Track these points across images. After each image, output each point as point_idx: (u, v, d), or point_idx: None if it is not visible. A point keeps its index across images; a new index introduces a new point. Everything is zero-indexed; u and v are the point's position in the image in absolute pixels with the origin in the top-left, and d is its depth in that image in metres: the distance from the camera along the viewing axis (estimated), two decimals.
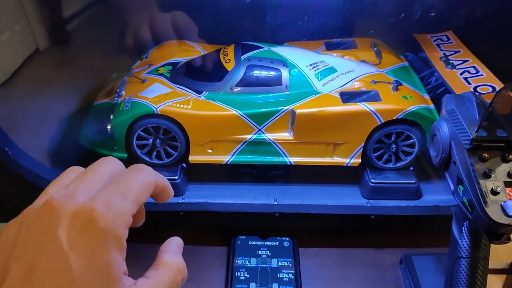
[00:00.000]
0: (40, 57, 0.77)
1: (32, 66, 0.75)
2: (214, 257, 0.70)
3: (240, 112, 0.64)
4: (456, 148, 0.48)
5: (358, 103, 0.64)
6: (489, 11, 0.79)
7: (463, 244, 0.50)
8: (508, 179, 0.45)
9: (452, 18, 0.83)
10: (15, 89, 0.72)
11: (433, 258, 0.66)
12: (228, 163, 0.68)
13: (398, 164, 0.68)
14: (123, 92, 0.69)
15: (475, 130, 0.45)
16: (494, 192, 0.44)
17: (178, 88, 0.69)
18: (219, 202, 0.67)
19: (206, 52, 0.77)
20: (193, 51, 0.78)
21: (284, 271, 0.65)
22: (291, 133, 0.66)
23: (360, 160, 0.68)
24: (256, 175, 0.73)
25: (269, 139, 0.66)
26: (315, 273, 0.68)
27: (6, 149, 0.61)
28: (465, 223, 0.50)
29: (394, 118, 0.64)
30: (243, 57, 0.69)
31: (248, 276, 0.65)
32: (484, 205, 0.44)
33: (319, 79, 0.68)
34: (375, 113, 0.63)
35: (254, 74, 0.68)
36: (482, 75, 0.69)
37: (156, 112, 0.63)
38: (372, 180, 0.67)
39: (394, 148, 0.67)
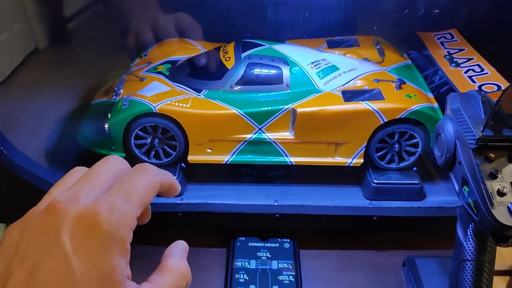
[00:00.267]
0: (40, 56, 0.77)
1: (31, 66, 0.74)
2: (213, 258, 0.69)
3: (240, 111, 0.64)
4: (461, 148, 0.47)
5: (360, 102, 0.63)
6: (494, 9, 0.78)
7: (468, 247, 0.49)
8: None
9: (456, 16, 0.82)
10: (13, 88, 0.71)
11: (437, 260, 0.65)
12: (227, 163, 0.67)
13: (401, 164, 0.68)
14: (121, 90, 0.68)
15: (481, 129, 0.44)
16: (501, 193, 0.43)
17: (177, 86, 0.68)
18: (218, 203, 0.66)
19: (206, 50, 0.76)
20: (192, 49, 0.77)
21: (284, 273, 0.65)
22: (292, 133, 0.65)
23: (362, 160, 0.67)
24: (256, 175, 0.72)
25: (270, 139, 0.65)
26: (316, 276, 0.67)
27: (1, 148, 0.60)
28: (470, 225, 0.48)
29: (397, 117, 0.63)
30: (244, 55, 0.68)
31: (247, 278, 0.64)
32: (490, 206, 0.42)
33: (321, 77, 0.68)
34: (378, 112, 0.62)
35: (255, 72, 0.67)
36: (487, 73, 0.68)
37: (155, 111, 0.63)
38: (375, 181, 0.66)
39: (397, 148, 0.66)
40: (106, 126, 0.65)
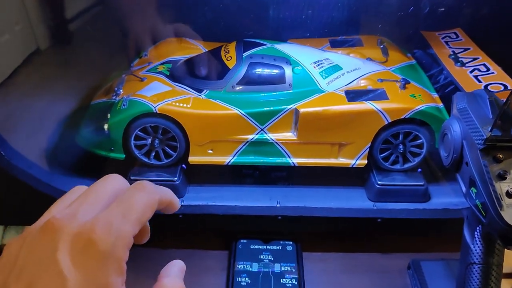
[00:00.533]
0: (41, 57, 0.76)
1: (32, 66, 0.74)
2: (214, 261, 0.68)
3: (242, 111, 0.63)
4: (469, 148, 0.46)
5: (364, 102, 0.63)
6: (498, 8, 0.78)
7: (475, 250, 0.48)
8: None
9: (461, 15, 0.81)
10: (13, 89, 0.71)
11: (443, 263, 0.64)
12: (229, 164, 0.66)
13: (406, 166, 0.67)
14: (121, 90, 0.68)
15: (489, 129, 0.44)
16: (510, 195, 0.42)
17: (177, 86, 0.67)
18: (219, 205, 0.66)
19: (206, 50, 0.76)
20: (193, 48, 0.77)
21: (287, 276, 0.64)
22: (295, 133, 0.64)
23: (366, 161, 0.66)
24: (258, 176, 0.72)
25: (272, 139, 0.65)
26: (319, 279, 0.66)
27: None
28: (478, 227, 0.47)
29: (402, 117, 0.62)
30: (245, 54, 0.67)
31: (249, 281, 0.63)
32: (499, 208, 0.41)
33: (324, 77, 0.67)
34: (382, 112, 0.62)
35: (257, 72, 0.66)
36: (493, 73, 0.68)
37: (155, 111, 0.62)
38: (379, 182, 0.66)
39: (402, 149, 0.66)
40: (106, 126, 0.64)
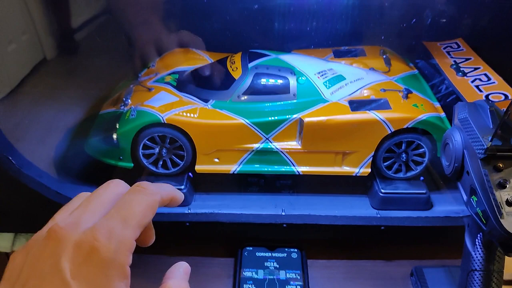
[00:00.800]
0: (48, 66, 0.77)
1: (39, 76, 0.75)
2: (220, 268, 0.69)
3: (247, 121, 0.64)
4: (470, 157, 0.47)
5: (367, 111, 0.64)
6: (500, 18, 0.78)
7: (476, 257, 0.49)
8: None
9: (462, 25, 0.82)
10: (21, 98, 0.72)
11: (445, 270, 0.64)
12: (235, 172, 0.67)
13: (409, 174, 0.68)
14: (129, 100, 0.68)
15: (489, 139, 0.45)
16: (510, 203, 0.43)
17: (184, 96, 0.68)
18: (225, 213, 0.66)
19: (213, 60, 0.77)
20: (200, 59, 0.78)
21: (292, 283, 0.64)
22: (299, 142, 0.65)
23: (369, 170, 0.67)
24: (263, 185, 0.73)
25: (277, 148, 0.66)
26: (324, 286, 0.66)
27: (10, 158, 0.60)
28: (478, 235, 0.48)
29: (404, 127, 0.63)
30: (250, 65, 0.68)
31: None
32: (499, 216, 0.42)
33: (328, 87, 0.68)
34: (384, 122, 0.63)
35: (262, 82, 0.67)
36: (494, 82, 0.68)
37: (163, 121, 0.63)
38: (382, 190, 0.66)
39: (404, 158, 0.66)
40: (115, 136, 0.65)
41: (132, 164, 0.67)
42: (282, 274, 0.65)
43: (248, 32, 0.77)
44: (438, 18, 0.79)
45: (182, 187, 0.66)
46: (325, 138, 0.64)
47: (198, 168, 0.67)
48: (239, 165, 0.67)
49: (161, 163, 0.67)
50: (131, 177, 0.68)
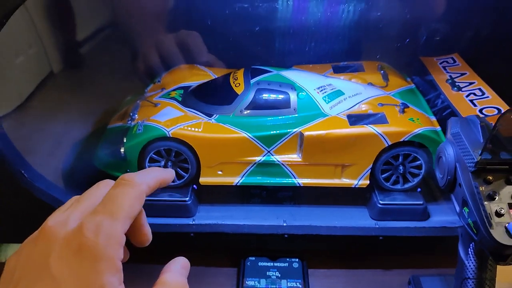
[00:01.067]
0: (55, 80, 0.79)
1: (46, 89, 0.76)
2: (224, 278, 0.70)
3: (250, 135, 0.65)
4: (461, 170, 0.49)
5: (365, 125, 0.65)
6: (495, 34, 0.80)
7: (469, 265, 0.50)
8: None
9: (458, 41, 0.84)
10: (30, 111, 0.73)
11: (441, 279, 0.65)
12: (238, 184, 0.68)
13: (406, 185, 0.69)
14: (136, 115, 0.70)
15: (479, 153, 0.46)
16: (499, 214, 0.45)
17: (189, 111, 0.70)
18: (229, 224, 0.67)
19: (216, 76, 0.78)
20: (204, 75, 0.80)
21: None
22: (300, 155, 0.67)
23: (368, 182, 0.68)
24: (265, 196, 0.74)
25: (278, 161, 0.67)
26: None
27: (22, 171, 0.62)
28: (471, 244, 0.50)
29: (401, 140, 0.65)
30: (253, 81, 0.70)
31: None
32: (489, 227, 0.44)
33: (327, 102, 0.69)
34: (382, 136, 0.64)
35: (263, 97, 0.69)
36: (487, 97, 0.70)
37: (168, 135, 0.65)
38: (381, 202, 0.67)
39: (402, 170, 0.68)
40: (122, 149, 0.67)
41: None
42: (284, 284, 0.67)
43: (250, 50, 0.78)
44: (434, 34, 0.81)
45: (187, 198, 0.68)
46: (324, 151, 0.66)
47: (202, 180, 0.68)
48: (241, 177, 0.68)
49: None
50: None
